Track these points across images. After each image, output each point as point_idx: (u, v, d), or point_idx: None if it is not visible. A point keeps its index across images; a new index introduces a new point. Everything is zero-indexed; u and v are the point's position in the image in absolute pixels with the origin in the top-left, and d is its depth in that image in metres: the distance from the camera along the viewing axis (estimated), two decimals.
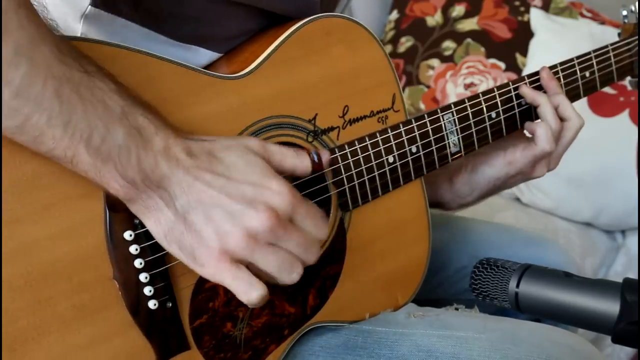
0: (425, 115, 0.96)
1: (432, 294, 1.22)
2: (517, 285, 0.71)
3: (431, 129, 0.97)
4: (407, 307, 1.00)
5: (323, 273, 0.90)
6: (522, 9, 2.18)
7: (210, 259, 0.70)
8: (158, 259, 0.76)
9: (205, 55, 0.89)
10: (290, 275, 0.73)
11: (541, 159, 1.04)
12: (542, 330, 0.92)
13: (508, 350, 0.86)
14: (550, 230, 1.83)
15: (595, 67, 1.11)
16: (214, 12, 0.86)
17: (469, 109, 1.00)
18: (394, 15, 2.33)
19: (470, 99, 1.00)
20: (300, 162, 0.77)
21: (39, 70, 0.64)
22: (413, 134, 0.95)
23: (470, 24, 2.19)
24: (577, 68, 1.09)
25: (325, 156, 0.80)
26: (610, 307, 0.65)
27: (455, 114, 0.99)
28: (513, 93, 1.04)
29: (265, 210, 0.69)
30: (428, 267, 1.04)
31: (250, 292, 0.71)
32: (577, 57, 1.10)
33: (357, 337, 0.93)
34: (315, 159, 0.78)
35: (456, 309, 1.03)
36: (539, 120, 1.03)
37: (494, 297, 0.74)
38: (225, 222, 0.69)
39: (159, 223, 0.71)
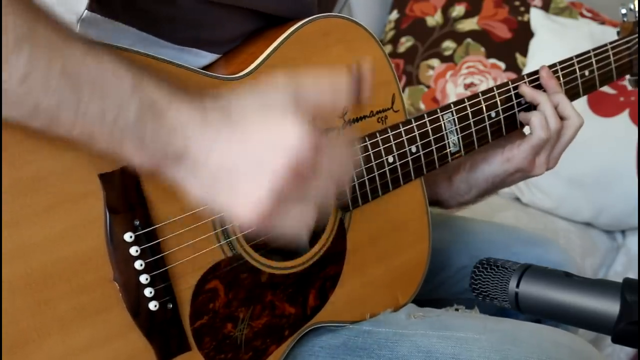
0: (425, 115, 0.96)
1: (433, 293, 1.22)
2: (517, 285, 0.71)
3: (431, 128, 0.97)
4: (407, 307, 1.00)
5: (323, 273, 0.90)
6: (522, 9, 2.18)
7: (248, 212, 0.68)
8: (158, 260, 0.76)
9: (204, 57, 0.89)
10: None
11: (539, 149, 1.04)
12: (542, 331, 0.92)
13: (508, 351, 0.87)
14: (550, 230, 1.83)
15: (595, 66, 1.11)
16: (211, 15, 0.86)
17: (468, 108, 1.00)
18: (394, 15, 2.33)
19: (469, 98, 1.00)
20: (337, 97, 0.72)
21: (42, 51, 0.63)
22: (413, 134, 0.95)
23: (470, 24, 2.18)
24: (576, 67, 1.09)
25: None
26: (610, 307, 0.66)
27: (454, 114, 0.99)
28: (512, 92, 1.04)
29: (285, 156, 0.66)
30: (428, 267, 1.04)
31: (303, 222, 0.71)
32: (577, 56, 1.10)
33: (357, 337, 0.93)
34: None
35: (456, 309, 1.03)
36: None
37: (494, 297, 0.74)
38: (254, 171, 0.67)
39: (189, 193, 0.70)
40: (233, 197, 0.68)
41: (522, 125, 1.06)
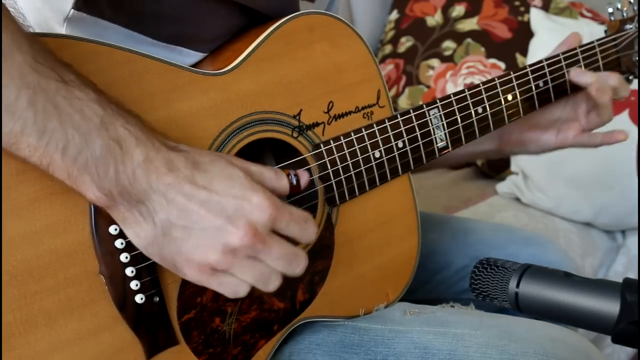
0: (411, 111, 0.97)
1: (432, 294, 1.23)
2: (517, 285, 0.71)
3: (417, 124, 0.97)
4: (402, 304, 0.99)
5: (311, 268, 0.90)
6: (522, 9, 2.18)
7: (191, 270, 0.71)
8: None
9: (190, 56, 0.89)
10: (266, 286, 0.73)
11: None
12: (538, 327, 0.92)
13: (505, 346, 0.87)
14: (550, 230, 1.82)
15: (582, 63, 1.12)
16: (195, 11, 0.87)
17: (454, 104, 1.01)
18: (394, 15, 2.33)
19: (455, 94, 1.01)
20: (279, 185, 0.76)
21: (12, 79, 0.64)
22: (399, 129, 0.96)
23: (470, 24, 2.19)
24: (563, 64, 1.10)
25: (304, 178, 0.79)
26: (610, 307, 0.65)
27: (440, 109, 0.99)
28: (500, 89, 1.05)
29: (244, 227, 0.69)
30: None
31: (237, 292, 0.73)
32: (563, 53, 1.11)
33: (353, 334, 0.93)
34: (294, 181, 0.77)
35: (452, 306, 1.03)
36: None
37: (494, 297, 0.73)
38: (204, 238, 0.70)
39: (138, 237, 0.71)
40: (180, 254, 0.71)
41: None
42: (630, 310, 0.64)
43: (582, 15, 2.14)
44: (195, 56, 0.89)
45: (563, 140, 1.11)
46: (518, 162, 1.97)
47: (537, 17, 2.09)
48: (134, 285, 0.75)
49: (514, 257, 1.16)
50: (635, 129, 1.84)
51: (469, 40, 2.16)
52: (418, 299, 1.04)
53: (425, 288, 1.21)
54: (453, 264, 1.22)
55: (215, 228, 0.69)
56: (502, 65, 2.10)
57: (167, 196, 0.69)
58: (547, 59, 1.09)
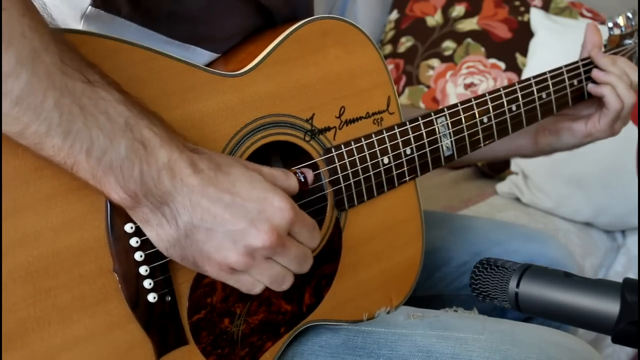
0: (420, 118, 0.98)
1: (433, 290, 1.23)
2: (517, 285, 0.71)
3: (425, 132, 0.98)
4: (406, 308, 1.00)
5: (319, 272, 0.91)
6: (522, 9, 2.18)
7: (212, 268, 0.73)
8: (159, 251, 0.75)
9: (203, 56, 0.89)
10: (280, 286, 0.76)
11: (617, 119, 1.12)
12: (541, 332, 0.93)
13: (508, 351, 0.87)
14: (551, 230, 1.82)
15: (583, 76, 1.15)
16: (211, 10, 0.87)
17: (461, 113, 1.01)
18: (394, 15, 2.33)
19: (462, 102, 1.02)
20: (289, 184, 0.78)
21: (40, 80, 0.64)
22: (407, 137, 0.97)
23: (470, 24, 2.19)
24: (565, 76, 1.13)
25: (310, 175, 0.82)
26: (610, 307, 0.65)
27: (448, 118, 1.00)
28: (505, 99, 1.06)
29: (266, 230, 0.71)
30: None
31: (252, 290, 0.75)
32: (566, 66, 1.13)
33: (356, 337, 0.94)
34: (302, 179, 0.80)
35: (455, 311, 1.04)
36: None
37: (494, 297, 0.74)
38: (227, 240, 0.71)
39: (160, 239, 0.72)
40: (201, 253, 0.72)
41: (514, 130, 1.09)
42: (630, 310, 0.64)
43: (582, 15, 2.14)
44: (208, 56, 0.90)
45: (592, 127, 1.14)
46: (518, 162, 1.98)
47: (537, 17, 2.09)
48: (147, 284, 0.75)
49: (515, 253, 1.17)
50: (635, 129, 1.85)
51: (469, 40, 2.17)
52: (419, 295, 1.05)
53: (426, 284, 1.21)
54: (453, 260, 1.23)
55: (238, 231, 0.71)
56: (502, 65, 2.10)
57: (191, 199, 0.70)
58: (550, 71, 1.11)
